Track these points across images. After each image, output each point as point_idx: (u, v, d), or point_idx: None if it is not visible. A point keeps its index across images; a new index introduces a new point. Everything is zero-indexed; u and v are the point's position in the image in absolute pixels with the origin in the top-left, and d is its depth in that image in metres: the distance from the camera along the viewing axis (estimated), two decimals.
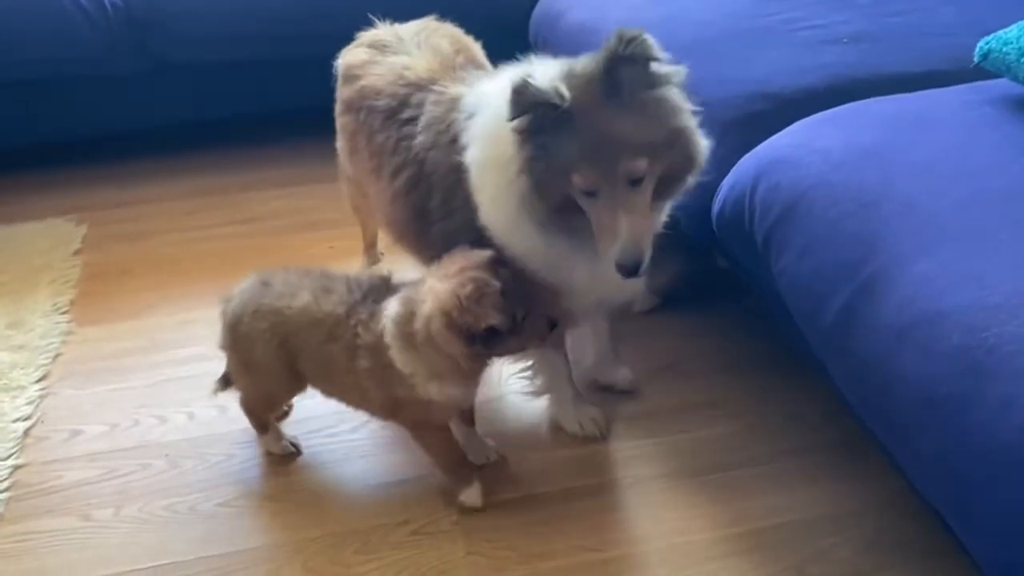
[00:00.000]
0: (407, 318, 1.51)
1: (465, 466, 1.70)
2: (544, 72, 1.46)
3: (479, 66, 1.89)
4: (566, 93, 1.40)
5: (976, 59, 1.58)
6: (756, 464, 1.76)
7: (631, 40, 1.39)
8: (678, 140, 1.45)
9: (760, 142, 1.70)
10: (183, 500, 1.74)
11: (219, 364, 2.09)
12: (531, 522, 1.65)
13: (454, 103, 1.67)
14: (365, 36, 1.99)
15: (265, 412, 1.80)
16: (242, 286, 1.70)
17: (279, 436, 1.82)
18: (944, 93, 1.62)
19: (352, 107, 1.90)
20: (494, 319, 1.43)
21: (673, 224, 1.92)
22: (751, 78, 1.86)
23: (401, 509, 1.69)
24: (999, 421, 1.05)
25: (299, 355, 1.64)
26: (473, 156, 1.57)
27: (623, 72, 1.41)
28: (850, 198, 1.40)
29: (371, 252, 2.42)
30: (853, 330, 1.28)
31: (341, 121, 2.00)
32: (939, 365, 1.13)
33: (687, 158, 1.47)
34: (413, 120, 1.73)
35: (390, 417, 1.67)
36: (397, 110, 1.76)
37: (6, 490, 1.77)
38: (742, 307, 2.13)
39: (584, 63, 1.45)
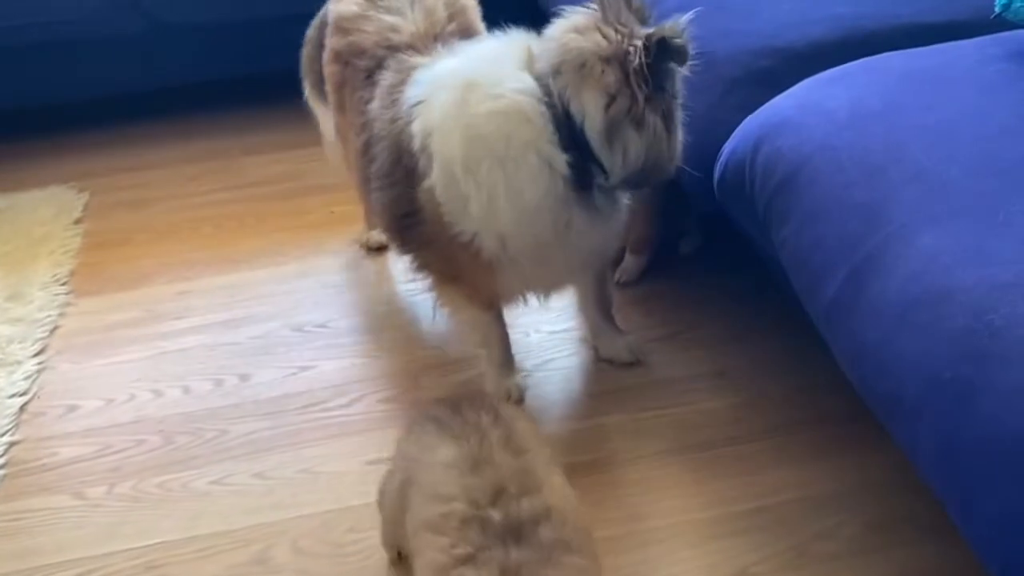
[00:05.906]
0: None
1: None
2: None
3: (473, 35, 1.80)
4: None
5: (997, 9, 1.47)
6: (762, 438, 1.70)
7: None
8: None
9: (767, 101, 1.60)
10: (176, 478, 1.72)
11: (211, 336, 2.08)
12: None
13: (410, 74, 1.62)
14: None
15: None
16: None
17: None
18: (961, 46, 1.51)
19: (340, 59, 1.85)
20: None
21: (679, 192, 1.85)
22: (758, 31, 1.76)
23: None
24: (1007, 410, 0.98)
25: None
26: (446, 147, 1.51)
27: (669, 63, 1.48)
28: (855, 164, 1.31)
29: (371, 216, 2.36)
30: (854, 307, 1.20)
31: (329, 70, 1.91)
32: (942, 347, 1.06)
33: None
34: (378, 84, 1.69)
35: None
36: (373, 71, 1.71)
37: (2, 467, 1.76)
38: (749, 275, 2.05)
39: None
